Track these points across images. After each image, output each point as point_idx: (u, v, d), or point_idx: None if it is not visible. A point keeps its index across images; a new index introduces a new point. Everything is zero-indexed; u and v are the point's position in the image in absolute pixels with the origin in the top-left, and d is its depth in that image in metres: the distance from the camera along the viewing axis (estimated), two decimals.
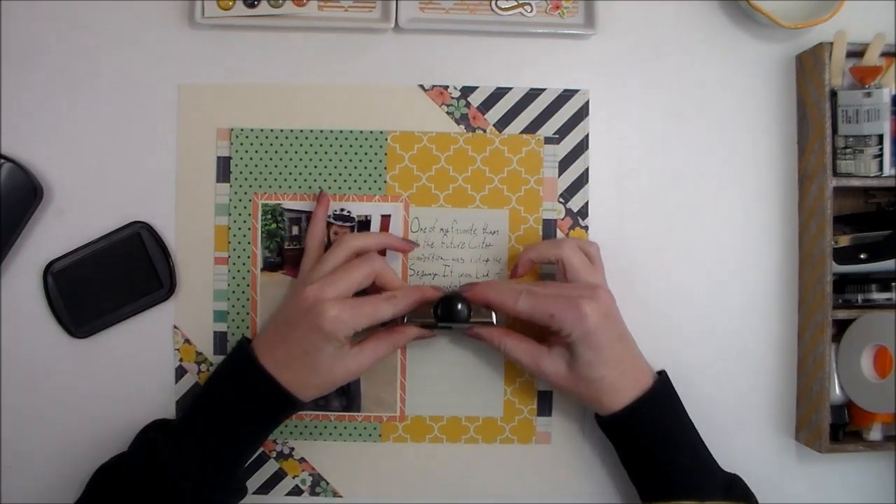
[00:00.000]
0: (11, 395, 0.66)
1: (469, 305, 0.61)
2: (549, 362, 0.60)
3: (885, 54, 0.66)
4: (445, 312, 0.60)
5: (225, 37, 0.68)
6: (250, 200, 0.67)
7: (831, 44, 0.65)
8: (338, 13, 0.67)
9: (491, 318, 0.62)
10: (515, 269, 0.64)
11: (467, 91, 0.68)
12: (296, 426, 0.67)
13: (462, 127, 0.68)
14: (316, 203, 0.66)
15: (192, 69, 0.68)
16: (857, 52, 0.66)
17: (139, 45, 0.67)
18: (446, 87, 0.68)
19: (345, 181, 0.67)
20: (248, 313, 0.67)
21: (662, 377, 0.62)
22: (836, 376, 0.66)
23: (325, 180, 0.67)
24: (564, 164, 0.68)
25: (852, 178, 0.65)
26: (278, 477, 0.67)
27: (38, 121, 0.67)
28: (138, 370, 0.67)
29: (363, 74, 0.68)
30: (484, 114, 0.68)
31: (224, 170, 0.67)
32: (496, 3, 0.68)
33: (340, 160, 0.67)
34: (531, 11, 0.68)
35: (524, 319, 0.59)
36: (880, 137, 0.64)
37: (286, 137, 0.67)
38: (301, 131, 0.68)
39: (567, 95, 0.68)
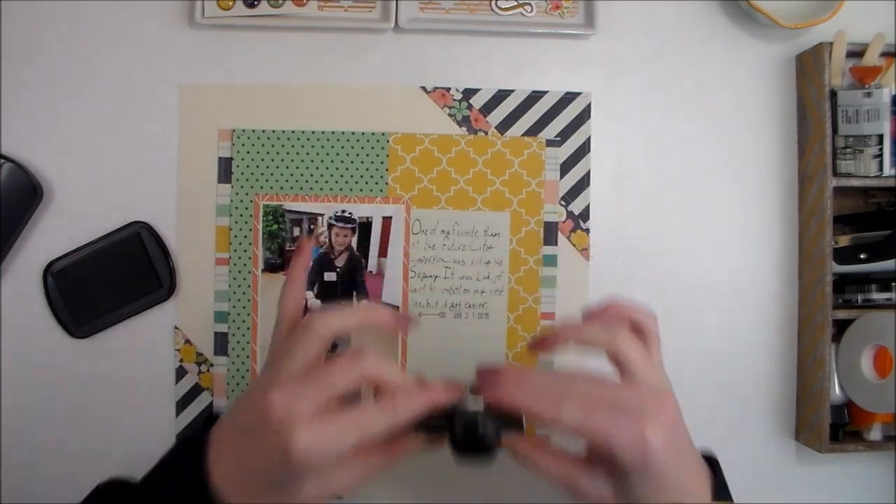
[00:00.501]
0: (11, 395, 0.66)
1: (496, 421, 0.45)
2: (589, 485, 0.45)
3: (884, 54, 0.66)
4: (466, 439, 0.45)
5: (225, 37, 0.68)
6: (251, 201, 0.67)
7: (831, 44, 0.65)
8: (338, 13, 0.67)
9: (521, 426, 0.47)
10: (541, 342, 0.48)
11: (469, 93, 0.68)
12: None
13: (464, 129, 0.68)
14: (294, 255, 0.51)
15: (192, 69, 0.67)
16: (857, 52, 0.66)
17: (139, 45, 0.67)
18: (448, 89, 0.68)
19: (346, 182, 0.67)
20: (248, 314, 0.67)
21: (719, 481, 0.47)
22: (836, 376, 0.66)
23: (326, 181, 0.67)
24: (566, 167, 0.68)
25: (852, 178, 0.65)
26: None
27: (38, 121, 0.67)
28: (138, 370, 0.67)
29: (363, 75, 0.68)
30: (486, 116, 0.68)
31: (225, 170, 0.67)
32: (496, 3, 0.68)
33: (342, 161, 0.67)
34: (531, 11, 0.68)
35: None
36: (880, 137, 0.64)
37: (287, 138, 0.67)
38: (303, 132, 0.67)
39: (569, 98, 0.68)
